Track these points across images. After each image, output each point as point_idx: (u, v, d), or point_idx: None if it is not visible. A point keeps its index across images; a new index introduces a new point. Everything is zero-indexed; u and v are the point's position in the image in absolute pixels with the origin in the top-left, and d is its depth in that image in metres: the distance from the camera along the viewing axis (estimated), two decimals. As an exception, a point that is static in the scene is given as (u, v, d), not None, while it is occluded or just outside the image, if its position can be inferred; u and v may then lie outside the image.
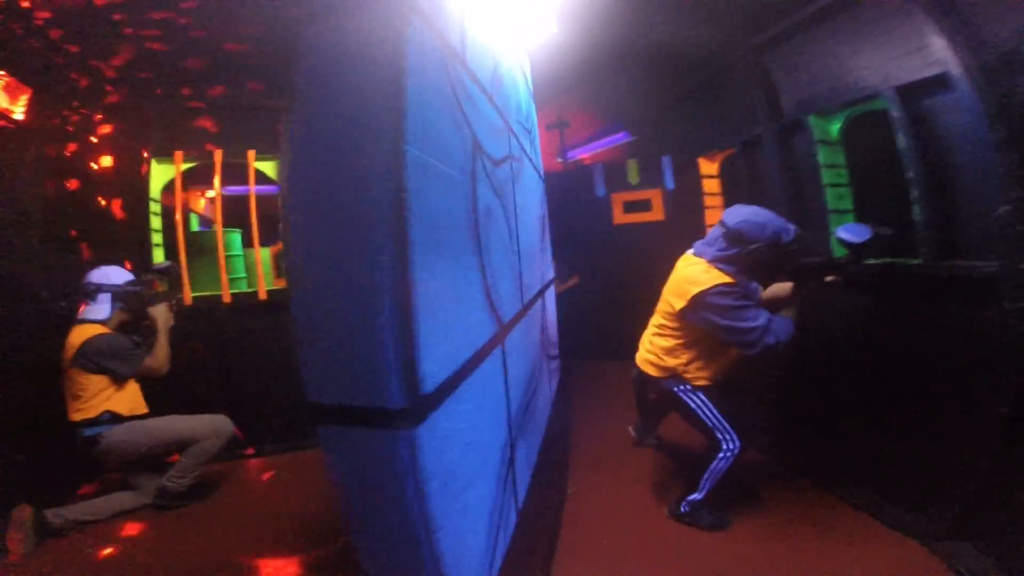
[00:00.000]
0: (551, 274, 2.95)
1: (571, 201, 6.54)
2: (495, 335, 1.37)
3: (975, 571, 2.01)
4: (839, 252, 2.48)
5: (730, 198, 3.97)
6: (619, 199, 6.24)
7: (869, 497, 2.59)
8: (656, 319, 2.58)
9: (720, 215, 3.82)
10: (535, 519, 2.15)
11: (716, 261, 2.34)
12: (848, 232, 2.22)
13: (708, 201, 3.98)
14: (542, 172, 3.19)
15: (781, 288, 2.55)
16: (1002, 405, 1.98)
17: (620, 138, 7.44)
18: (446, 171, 1.06)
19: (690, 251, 2.53)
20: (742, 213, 2.32)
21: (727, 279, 2.27)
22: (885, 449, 2.56)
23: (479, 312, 1.23)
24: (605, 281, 5.96)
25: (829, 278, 2.30)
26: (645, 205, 6.11)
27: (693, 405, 2.43)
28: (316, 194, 0.86)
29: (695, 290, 2.26)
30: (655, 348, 2.55)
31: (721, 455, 2.36)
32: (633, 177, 6.20)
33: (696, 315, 2.31)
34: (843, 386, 2.79)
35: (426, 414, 0.90)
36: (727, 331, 2.25)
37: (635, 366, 2.67)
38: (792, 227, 2.30)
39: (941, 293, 2.25)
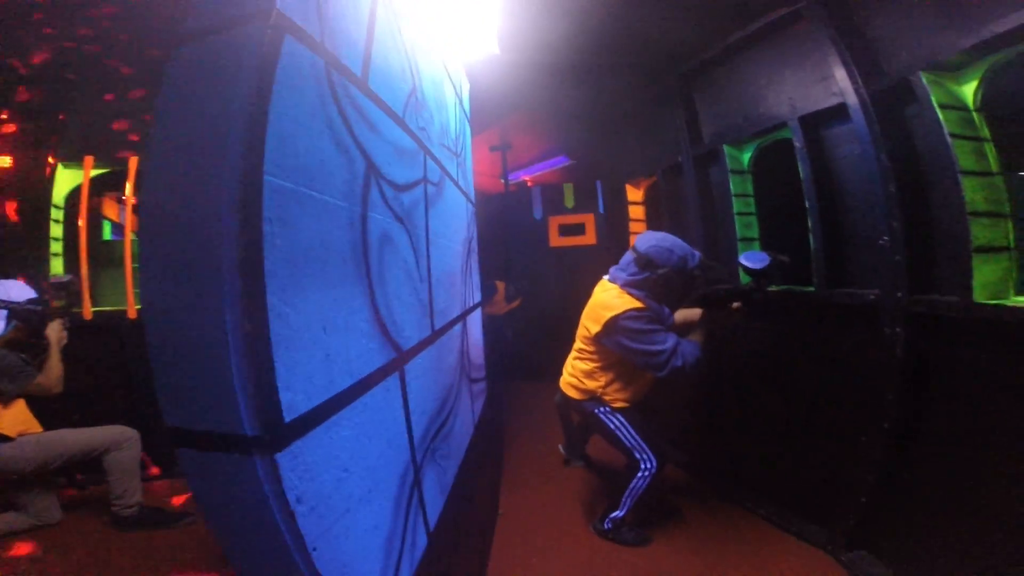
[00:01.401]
0: (476, 298, 2.94)
1: (511, 222, 6.63)
2: (390, 362, 1.35)
3: (875, 577, 2.12)
4: (744, 279, 2.62)
5: (653, 224, 4.12)
6: (555, 222, 6.37)
7: (777, 510, 2.72)
8: (577, 343, 2.67)
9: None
10: (463, 540, 2.20)
11: (627, 286, 2.43)
12: (748, 259, 2.34)
13: (633, 227, 4.10)
14: (472, 195, 3.20)
15: (691, 313, 2.65)
16: (885, 422, 2.13)
17: (560, 161, 7.61)
18: (322, 199, 1.04)
19: (606, 276, 2.61)
20: (652, 239, 2.41)
21: (637, 304, 2.36)
22: (789, 464, 2.69)
23: (364, 340, 1.21)
24: (541, 303, 6.04)
25: (735, 305, 2.40)
26: (579, 229, 6.26)
27: (612, 426, 2.52)
28: (169, 219, 0.82)
29: (608, 315, 2.34)
30: (576, 371, 2.64)
31: (640, 474, 2.45)
32: (569, 201, 6.35)
33: (610, 339, 2.39)
34: (750, 405, 2.92)
35: (288, 441, 0.89)
36: (637, 354, 2.33)
37: (559, 389, 2.75)
38: (697, 253, 2.42)
39: (833, 318, 2.41)
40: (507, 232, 6.63)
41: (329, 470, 1.02)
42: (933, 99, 1.90)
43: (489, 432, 3.98)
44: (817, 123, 2.46)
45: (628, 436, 2.49)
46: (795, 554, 2.43)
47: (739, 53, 2.87)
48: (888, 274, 2.09)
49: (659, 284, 2.39)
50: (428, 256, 1.84)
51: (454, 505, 2.07)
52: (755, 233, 2.97)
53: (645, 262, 2.37)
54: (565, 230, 6.35)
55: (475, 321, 2.87)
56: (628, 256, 2.48)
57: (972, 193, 1.82)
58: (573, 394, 2.63)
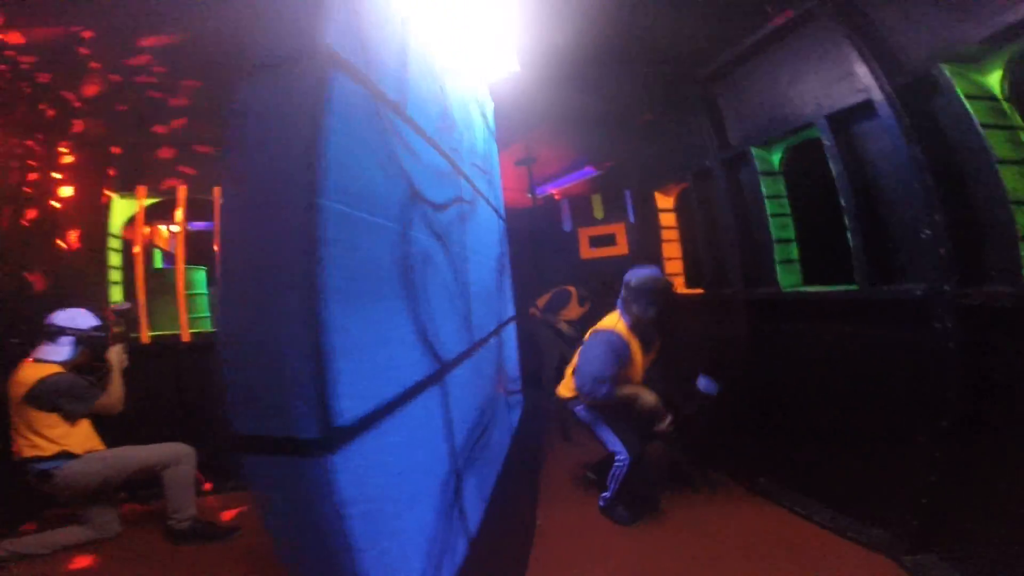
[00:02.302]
0: (510, 312, 2.99)
1: (540, 236, 6.66)
2: (433, 373, 1.40)
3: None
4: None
5: (685, 231, 4.08)
6: (585, 234, 6.38)
7: (832, 515, 2.63)
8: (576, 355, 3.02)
9: (677, 249, 4.01)
10: (500, 550, 2.21)
11: (622, 312, 2.90)
12: (705, 385, 2.90)
13: (664, 235, 4.08)
14: (502, 211, 3.26)
15: (647, 400, 2.84)
16: (943, 419, 2.06)
17: (587, 173, 7.62)
18: (372, 220, 1.11)
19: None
20: (633, 273, 2.86)
21: (621, 329, 2.82)
22: (843, 468, 2.61)
23: (410, 352, 1.26)
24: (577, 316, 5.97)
25: (665, 424, 2.82)
26: (610, 239, 6.26)
27: (587, 421, 2.88)
28: (241, 243, 0.91)
29: (597, 327, 2.85)
30: (568, 377, 3.01)
31: (616, 463, 2.75)
32: (598, 212, 6.36)
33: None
34: (800, 410, 2.85)
35: (341, 444, 0.94)
36: (584, 360, 2.75)
37: (555, 394, 3.10)
38: (645, 274, 2.83)
39: (879, 317, 2.36)
40: (537, 246, 6.66)
41: (380, 473, 1.07)
42: (959, 90, 1.87)
43: (528, 443, 4.00)
44: (845, 121, 2.44)
45: (602, 431, 2.81)
46: (855, 559, 2.33)
47: (758, 55, 2.87)
48: (933, 267, 2.04)
49: (630, 308, 2.83)
50: (467, 272, 1.89)
51: (494, 513, 2.09)
52: (791, 234, 2.92)
53: (628, 288, 2.84)
54: (596, 241, 6.35)
55: (509, 334, 2.91)
56: (622, 290, 2.90)
57: (1013, 181, 1.77)
58: (564, 393, 2.99)
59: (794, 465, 2.96)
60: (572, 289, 5.24)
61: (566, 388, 3.05)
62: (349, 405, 0.96)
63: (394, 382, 1.16)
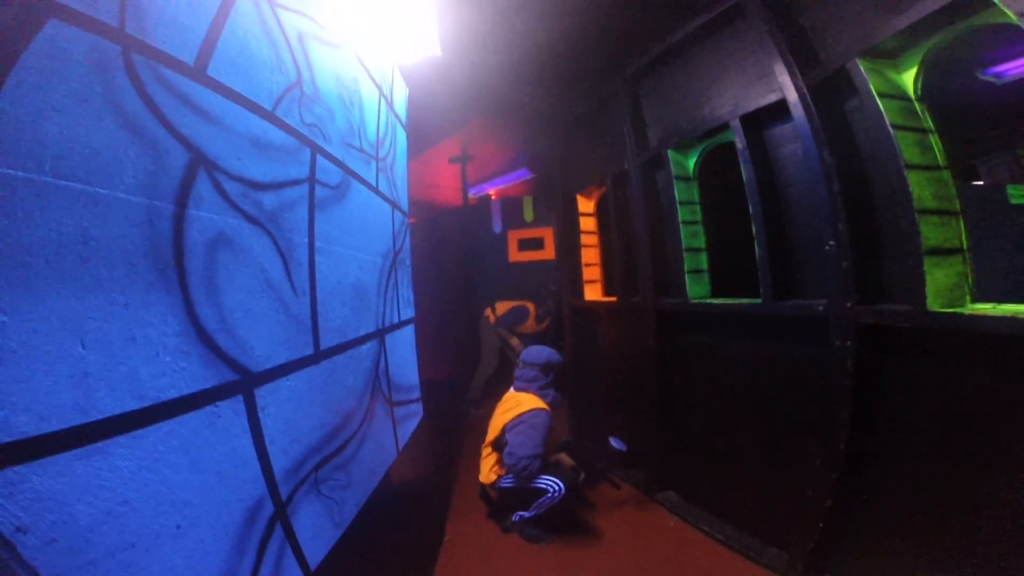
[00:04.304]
0: (405, 315, 2.70)
1: (470, 237, 6.42)
2: (223, 385, 1.10)
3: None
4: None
5: (604, 236, 3.93)
6: (515, 236, 6.18)
7: (735, 533, 2.54)
8: (486, 446, 2.99)
9: (595, 255, 3.84)
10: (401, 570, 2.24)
11: (540, 391, 2.96)
12: (616, 443, 2.97)
13: (584, 239, 3.88)
14: (404, 205, 2.97)
15: (566, 464, 3.03)
16: (839, 442, 1.94)
17: (522, 174, 7.45)
18: (88, 190, 0.84)
19: (512, 389, 3.07)
20: (543, 352, 3.03)
21: (546, 407, 2.86)
22: (747, 486, 2.49)
23: (170, 359, 0.98)
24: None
25: (582, 478, 2.95)
26: (539, 243, 6.08)
27: (517, 484, 2.76)
28: None
29: (527, 407, 2.82)
30: (485, 459, 2.99)
31: (549, 493, 2.69)
32: (528, 214, 6.18)
33: (519, 421, 2.80)
34: (706, 425, 2.71)
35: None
36: (522, 434, 2.72)
37: (481, 487, 3.05)
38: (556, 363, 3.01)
39: (782, 333, 2.23)
40: (467, 247, 6.41)
41: (87, 501, 0.83)
42: (872, 87, 1.75)
43: (433, 455, 3.71)
44: (758, 122, 2.31)
45: (538, 483, 2.73)
46: None
47: (684, 53, 2.72)
48: (836, 283, 1.91)
49: (547, 390, 2.96)
50: (312, 265, 1.59)
51: (363, 538, 1.82)
52: (701, 243, 2.78)
53: (548, 368, 2.99)
54: (524, 244, 6.16)
55: (403, 339, 2.62)
56: (528, 372, 3.00)
57: (920, 189, 1.66)
58: (487, 480, 2.93)
59: (699, 480, 2.84)
60: (531, 306, 5.19)
61: (486, 475, 2.96)
62: (18, 419, 0.72)
63: (128, 395, 0.90)
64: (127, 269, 0.89)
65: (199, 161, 1.10)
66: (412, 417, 2.76)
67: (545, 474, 2.72)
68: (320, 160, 1.72)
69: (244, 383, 1.20)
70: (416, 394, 2.91)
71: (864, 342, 1.84)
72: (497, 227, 6.26)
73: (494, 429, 2.91)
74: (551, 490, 2.67)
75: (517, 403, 2.88)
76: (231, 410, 1.15)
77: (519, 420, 2.79)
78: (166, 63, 1.04)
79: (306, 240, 1.57)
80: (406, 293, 2.86)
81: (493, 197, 7.94)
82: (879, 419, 1.86)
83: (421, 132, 4.90)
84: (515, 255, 6.21)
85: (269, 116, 1.41)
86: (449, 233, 6.71)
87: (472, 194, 8.23)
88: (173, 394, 0.99)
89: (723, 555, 2.46)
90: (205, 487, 1.07)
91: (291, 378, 1.41)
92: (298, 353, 1.46)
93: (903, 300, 1.76)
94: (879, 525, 1.91)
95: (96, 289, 0.83)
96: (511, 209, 6.33)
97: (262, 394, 1.27)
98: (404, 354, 2.68)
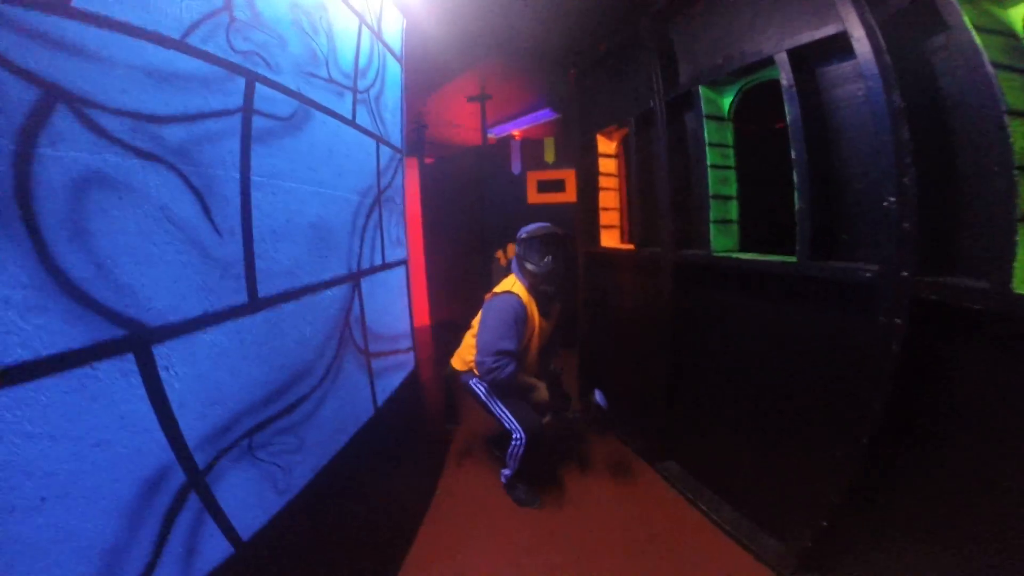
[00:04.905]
0: (390, 257, 2.46)
1: (487, 178, 6.07)
2: (101, 343, 0.91)
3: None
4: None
5: (625, 180, 3.56)
6: (534, 178, 5.81)
7: (734, 518, 2.36)
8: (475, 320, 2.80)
9: (615, 199, 3.50)
10: (379, 533, 2.13)
11: (516, 273, 2.68)
12: (599, 398, 2.68)
13: (603, 182, 3.52)
14: (396, 141, 2.66)
15: (541, 395, 2.67)
16: (863, 435, 1.67)
17: (546, 115, 6.97)
18: None
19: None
20: (525, 228, 2.66)
21: (519, 291, 2.56)
22: (754, 467, 2.27)
23: (13, 314, 0.81)
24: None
25: (546, 419, 2.67)
26: (559, 185, 5.72)
27: (482, 396, 2.65)
28: None
29: (493, 291, 2.62)
30: (465, 345, 2.83)
31: (514, 442, 2.56)
32: (549, 156, 5.78)
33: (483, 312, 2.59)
34: (717, 394, 2.47)
35: None
36: (484, 331, 2.50)
37: (448, 364, 2.93)
38: (539, 228, 2.60)
39: (817, 298, 1.91)
40: (484, 187, 6.07)
41: None
42: (967, 20, 1.35)
43: (433, 408, 3.57)
44: (811, 57, 1.91)
45: (496, 407, 2.60)
46: (740, 569, 2.11)
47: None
48: (893, 247, 1.57)
49: (525, 267, 2.59)
50: (246, 202, 1.33)
51: (324, 503, 1.69)
52: (732, 190, 2.42)
53: (521, 240, 2.63)
54: (544, 186, 5.79)
55: (385, 284, 2.39)
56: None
57: (1022, 140, 1.28)
58: (458, 366, 2.83)
59: (703, 453, 2.63)
60: None
61: (460, 361, 2.83)
62: None
63: None
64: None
65: (55, 97, 0.87)
66: (398, 369, 2.57)
67: (508, 408, 2.55)
68: (261, 89, 1.44)
69: (135, 339, 0.98)
70: (405, 343, 2.72)
71: (918, 321, 1.51)
72: (516, 168, 5.89)
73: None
74: (515, 434, 2.53)
75: (499, 284, 2.69)
76: (116, 371, 0.94)
77: (485, 307, 2.60)
78: None
79: (237, 175, 1.30)
80: (396, 232, 2.60)
81: (516, 137, 7.50)
82: (920, 417, 1.57)
83: (432, 67, 4.53)
84: (534, 197, 5.86)
85: (176, 44, 1.13)
86: (467, 173, 6.35)
87: (493, 134, 7.80)
88: (24, 356, 0.79)
89: (716, 538, 2.30)
90: (78, 457, 0.88)
91: (211, 331, 1.19)
92: (222, 302, 1.23)
93: (978, 275, 1.41)
94: (889, 536, 1.69)
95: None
96: (532, 150, 5.92)
97: (164, 351, 1.05)
98: (389, 299, 2.46)
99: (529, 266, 2.56)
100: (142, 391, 1.00)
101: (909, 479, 1.62)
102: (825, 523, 1.84)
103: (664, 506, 2.58)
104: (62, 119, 0.88)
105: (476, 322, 2.73)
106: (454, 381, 2.91)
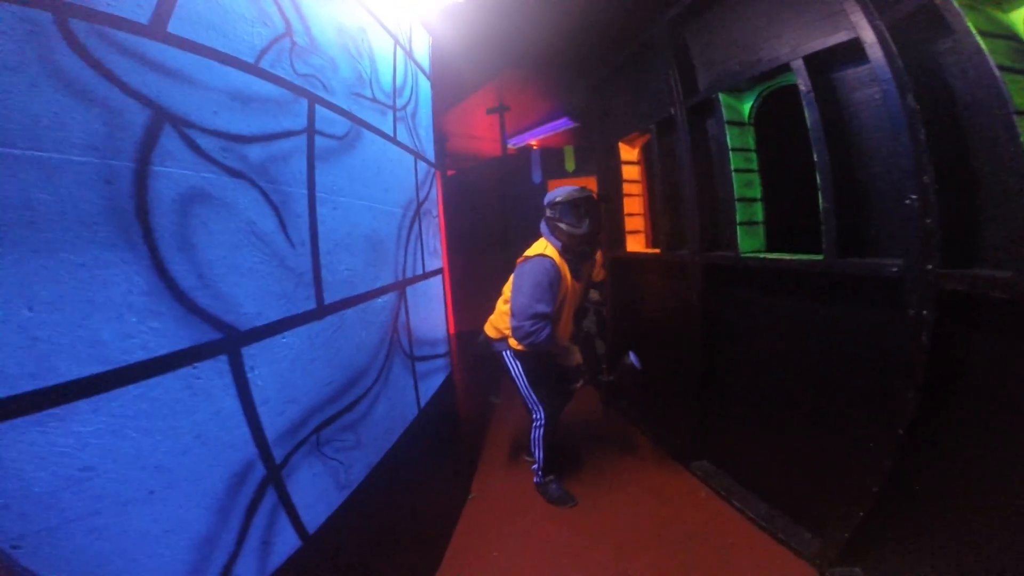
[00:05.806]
0: (433, 265, 2.60)
1: (509, 187, 6.20)
2: (202, 345, 1.03)
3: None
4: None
5: (648, 186, 3.65)
6: (555, 186, 5.92)
7: (768, 511, 2.41)
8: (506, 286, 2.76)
9: (639, 204, 3.59)
10: (415, 531, 2.15)
11: (547, 236, 2.60)
12: (634, 359, 2.65)
13: (626, 189, 3.62)
14: (429, 156, 2.80)
15: (575, 358, 2.67)
16: (899, 426, 1.72)
17: (564, 123, 7.08)
18: (28, 154, 0.79)
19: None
20: (553, 193, 2.57)
21: (551, 254, 2.50)
22: (788, 462, 2.33)
23: (136, 319, 0.93)
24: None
25: (577, 384, 2.72)
26: (580, 193, 5.82)
27: (512, 370, 2.71)
28: None
29: (525, 255, 2.59)
30: (498, 313, 2.81)
31: (534, 424, 2.68)
32: (569, 164, 5.90)
33: (515, 277, 2.54)
34: (750, 391, 2.52)
35: None
36: (517, 294, 2.44)
37: (482, 331, 2.92)
38: (564, 192, 2.51)
39: (845, 295, 1.98)
40: (505, 197, 6.21)
41: (43, 468, 0.80)
42: (970, 24, 1.43)
43: (466, 412, 3.67)
44: (826, 63, 1.99)
45: (522, 384, 2.69)
46: (779, 566, 2.14)
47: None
48: (917, 242, 1.63)
49: (558, 229, 2.52)
50: (313, 217, 1.46)
51: (376, 499, 1.79)
52: (756, 193, 2.49)
53: (547, 213, 2.57)
54: (564, 195, 5.90)
55: (425, 292, 2.51)
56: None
57: (1035, 139, 1.35)
58: (491, 333, 2.81)
59: (736, 450, 2.68)
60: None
61: (493, 328, 2.81)
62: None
63: (90, 359, 0.85)
64: (82, 230, 0.83)
65: (163, 118, 1.00)
66: (437, 373, 2.68)
67: (533, 387, 2.64)
68: (321, 110, 1.57)
69: (229, 342, 1.11)
70: (442, 349, 2.83)
71: (946, 312, 1.58)
72: (537, 177, 6.01)
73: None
74: (536, 415, 2.62)
75: (530, 248, 2.64)
76: (213, 371, 1.07)
77: (517, 272, 2.54)
78: (113, 25, 0.93)
79: (305, 191, 1.44)
80: (432, 243, 2.73)
81: (535, 147, 7.63)
82: (954, 405, 1.62)
83: (453, 82, 4.68)
84: (555, 206, 5.97)
85: (252, 69, 1.27)
86: (488, 183, 6.50)
87: (512, 144, 7.94)
88: (142, 356, 0.92)
89: (752, 534, 2.34)
90: (182, 451, 1.00)
91: (288, 335, 1.31)
92: (297, 308, 1.36)
93: (1003, 266, 1.47)
94: (931, 525, 1.72)
95: (44, 252, 0.78)
96: (552, 159, 6.04)
97: (251, 353, 1.18)
98: (429, 307, 2.58)
99: (566, 227, 2.49)
100: (233, 389, 1.12)
101: (944, 468, 1.67)
102: (862, 514, 1.88)
103: (698, 504, 2.62)
104: (168, 138, 1.01)
105: (507, 288, 2.69)
106: (487, 348, 2.88)
